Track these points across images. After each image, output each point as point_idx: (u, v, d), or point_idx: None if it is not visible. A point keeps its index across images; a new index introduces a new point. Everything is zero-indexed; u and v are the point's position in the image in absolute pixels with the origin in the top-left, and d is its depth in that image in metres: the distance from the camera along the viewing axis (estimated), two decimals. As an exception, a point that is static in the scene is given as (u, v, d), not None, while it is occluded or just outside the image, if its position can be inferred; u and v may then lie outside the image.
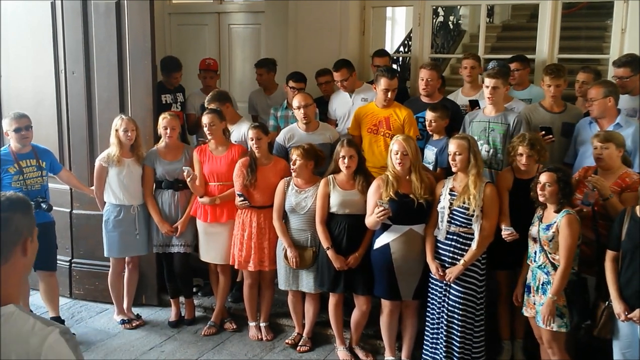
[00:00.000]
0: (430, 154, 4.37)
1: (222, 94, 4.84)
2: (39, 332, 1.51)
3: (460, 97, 5.00)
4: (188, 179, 4.34)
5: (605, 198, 3.52)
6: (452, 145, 3.73)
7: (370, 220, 3.86)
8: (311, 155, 4.12)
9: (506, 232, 3.66)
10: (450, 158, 3.74)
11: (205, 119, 4.42)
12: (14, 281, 1.59)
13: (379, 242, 3.89)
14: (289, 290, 4.36)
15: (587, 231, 3.59)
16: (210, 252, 4.60)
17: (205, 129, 4.44)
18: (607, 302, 3.35)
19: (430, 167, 4.32)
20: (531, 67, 5.17)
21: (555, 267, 3.41)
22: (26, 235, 1.61)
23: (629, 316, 3.20)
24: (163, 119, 4.53)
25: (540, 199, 3.47)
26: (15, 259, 1.58)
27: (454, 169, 3.76)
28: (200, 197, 4.47)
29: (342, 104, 5.06)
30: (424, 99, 4.69)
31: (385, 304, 4.02)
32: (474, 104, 4.61)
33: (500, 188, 3.82)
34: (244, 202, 4.27)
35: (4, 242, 1.56)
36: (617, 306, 3.25)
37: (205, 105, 4.72)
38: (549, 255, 3.44)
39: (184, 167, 4.38)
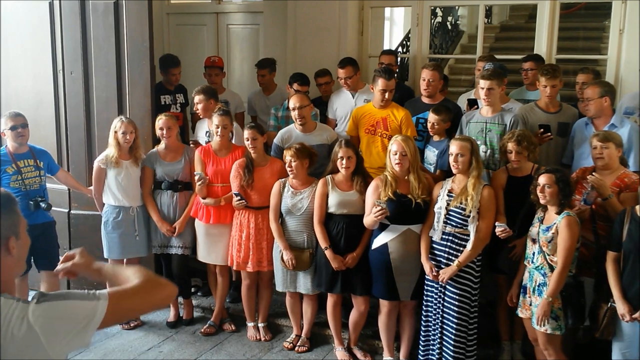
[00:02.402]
0: (431, 155, 4.37)
1: (209, 89, 4.86)
2: (20, 314, 1.45)
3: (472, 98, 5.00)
4: (199, 183, 4.33)
5: (605, 198, 3.53)
6: (455, 147, 3.72)
7: (368, 220, 3.86)
8: (305, 154, 4.12)
9: (499, 228, 3.66)
10: (451, 159, 3.73)
11: (218, 120, 4.39)
12: (2, 279, 1.55)
13: (377, 242, 3.89)
14: (287, 291, 4.37)
15: (587, 232, 3.60)
16: (211, 254, 4.59)
17: (216, 130, 4.41)
18: (609, 304, 3.35)
19: (431, 168, 4.33)
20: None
21: (552, 269, 3.40)
22: (8, 235, 1.55)
23: (634, 316, 3.20)
24: (159, 120, 4.54)
25: (542, 201, 3.47)
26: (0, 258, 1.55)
27: (455, 171, 3.75)
28: (203, 198, 4.47)
29: (344, 104, 5.03)
30: (425, 100, 4.69)
31: (384, 304, 4.02)
32: (473, 103, 4.61)
33: (495, 187, 3.83)
34: (240, 201, 4.27)
35: None
36: (622, 307, 3.24)
37: (193, 96, 4.76)
38: (547, 257, 3.44)
39: (195, 173, 4.37)
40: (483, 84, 4.14)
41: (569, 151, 4.27)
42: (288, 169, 4.13)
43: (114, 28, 4.82)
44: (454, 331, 3.74)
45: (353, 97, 5.03)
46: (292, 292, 4.36)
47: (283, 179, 4.26)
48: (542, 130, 4.11)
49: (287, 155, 4.11)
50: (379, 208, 3.69)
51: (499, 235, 3.67)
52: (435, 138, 4.39)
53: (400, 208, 3.78)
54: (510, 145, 3.78)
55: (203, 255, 4.63)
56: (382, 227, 3.86)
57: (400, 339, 4.14)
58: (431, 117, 4.33)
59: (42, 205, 4.37)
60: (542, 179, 3.44)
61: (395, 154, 3.80)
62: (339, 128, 4.96)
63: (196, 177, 4.34)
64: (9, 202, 1.60)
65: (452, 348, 3.76)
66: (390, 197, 3.76)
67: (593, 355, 3.72)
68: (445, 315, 3.78)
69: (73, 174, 4.95)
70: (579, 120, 4.25)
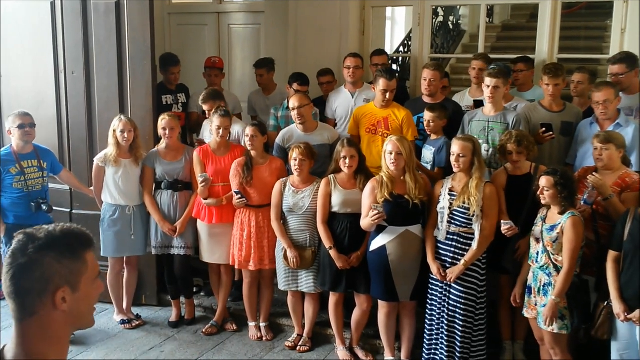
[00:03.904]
0: (428, 153, 4.38)
1: (216, 93, 4.84)
2: None
3: (467, 98, 5.00)
4: (202, 185, 4.33)
5: (606, 198, 3.53)
6: (456, 147, 3.71)
7: (365, 222, 3.86)
8: (311, 154, 4.14)
9: (505, 226, 3.66)
10: (453, 159, 3.73)
11: (219, 121, 4.39)
12: (45, 337, 1.31)
13: (375, 244, 3.88)
14: (289, 290, 4.36)
15: (587, 232, 3.59)
16: (215, 253, 4.58)
17: (217, 130, 4.41)
18: (606, 302, 3.35)
19: (429, 166, 4.33)
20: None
21: (557, 269, 3.40)
22: (59, 284, 1.30)
23: (628, 317, 3.20)
24: (162, 120, 4.54)
25: (543, 202, 3.49)
26: (46, 312, 1.30)
27: (456, 170, 3.75)
28: (205, 198, 4.46)
29: (344, 103, 5.02)
30: (426, 99, 4.68)
31: (383, 305, 4.02)
32: (479, 104, 4.60)
33: (495, 188, 3.82)
34: (241, 199, 4.27)
35: (24, 291, 1.29)
36: (617, 306, 3.24)
37: (200, 104, 4.73)
38: (551, 257, 3.43)
39: (199, 175, 4.37)
40: (489, 81, 4.15)
41: (572, 150, 4.26)
42: (295, 168, 4.12)
43: (116, 28, 4.82)
44: (461, 331, 3.73)
45: (352, 96, 5.02)
46: (294, 291, 4.36)
47: (284, 178, 4.26)
48: (544, 129, 4.10)
49: (295, 153, 4.10)
50: (375, 212, 3.69)
51: (505, 233, 3.67)
52: (432, 136, 4.39)
53: (397, 209, 3.77)
54: (510, 146, 3.79)
55: (207, 256, 4.62)
56: (380, 229, 3.86)
57: (401, 340, 4.14)
58: (426, 114, 4.34)
59: (44, 207, 4.39)
60: (542, 182, 3.45)
61: (391, 154, 3.80)
62: (339, 128, 4.94)
63: (200, 180, 4.33)
64: (76, 245, 1.37)
65: (459, 349, 3.75)
66: (387, 198, 3.76)
67: (592, 355, 3.71)
68: (451, 315, 3.77)
69: (75, 174, 4.95)
70: (583, 120, 4.24)
